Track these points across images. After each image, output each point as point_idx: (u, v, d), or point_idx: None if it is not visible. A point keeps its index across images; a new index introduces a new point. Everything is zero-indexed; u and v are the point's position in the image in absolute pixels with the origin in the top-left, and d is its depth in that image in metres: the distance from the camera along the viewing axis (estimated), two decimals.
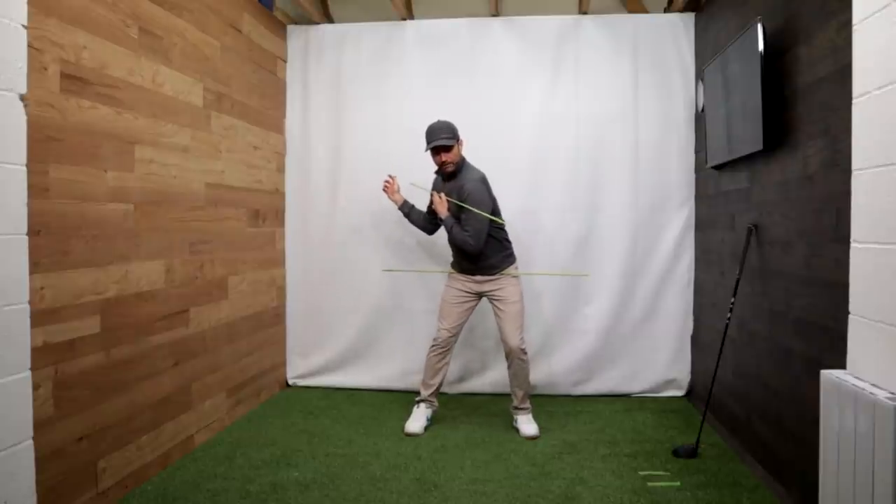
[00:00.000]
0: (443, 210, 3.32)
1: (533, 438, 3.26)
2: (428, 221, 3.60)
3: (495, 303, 3.39)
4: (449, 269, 3.54)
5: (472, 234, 3.22)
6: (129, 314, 2.59)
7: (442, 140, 3.27)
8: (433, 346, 3.48)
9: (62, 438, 2.22)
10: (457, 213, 3.31)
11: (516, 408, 3.41)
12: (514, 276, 3.39)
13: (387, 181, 3.58)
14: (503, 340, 3.35)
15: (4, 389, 1.66)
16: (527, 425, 3.34)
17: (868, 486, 1.52)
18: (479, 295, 3.44)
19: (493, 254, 3.35)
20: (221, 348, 3.37)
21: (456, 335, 3.48)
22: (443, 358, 3.46)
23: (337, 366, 4.24)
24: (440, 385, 3.50)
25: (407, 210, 3.57)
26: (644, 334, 4.00)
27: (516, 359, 3.32)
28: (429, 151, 3.35)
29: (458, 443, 3.22)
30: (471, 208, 3.23)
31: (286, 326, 4.28)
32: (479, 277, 3.39)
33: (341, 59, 4.18)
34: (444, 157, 3.31)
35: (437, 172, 3.48)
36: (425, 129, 3.35)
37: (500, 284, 3.37)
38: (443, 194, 3.34)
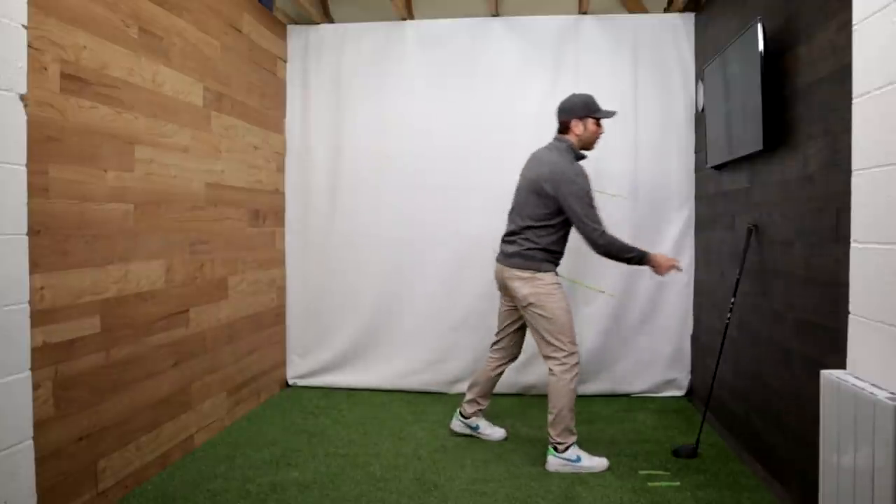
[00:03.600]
0: None
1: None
2: None
3: None
4: (561, 277, 3.06)
5: None
6: (129, 314, 2.59)
7: None
8: (579, 369, 2.93)
9: (62, 438, 2.22)
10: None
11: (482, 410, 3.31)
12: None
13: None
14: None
15: (4, 389, 1.66)
16: (497, 430, 3.30)
17: (868, 486, 1.52)
18: None
19: None
20: (221, 348, 3.37)
21: None
22: None
23: (337, 366, 4.24)
24: None
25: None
26: (644, 334, 4.00)
27: None
28: (596, 121, 2.99)
29: (458, 443, 3.22)
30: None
31: (286, 326, 4.28)
32: None
33: (341, 59, 4.18)
34: None
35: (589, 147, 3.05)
36: (583, 98, 3.00)
37: None
38: None
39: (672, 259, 2.96)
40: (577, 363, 2.91)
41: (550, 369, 2.92)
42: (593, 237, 2.85)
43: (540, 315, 2.91)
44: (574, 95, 3.04)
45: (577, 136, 2.99)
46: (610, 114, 3.01)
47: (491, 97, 4.05)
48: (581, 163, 2.99)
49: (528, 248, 2.96)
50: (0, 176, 1.66)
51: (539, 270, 2.93)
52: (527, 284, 2.93)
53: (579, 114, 2.97)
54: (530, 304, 2.92)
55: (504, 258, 3.04)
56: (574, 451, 2.88)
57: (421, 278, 4.10)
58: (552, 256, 2.99)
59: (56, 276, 2.18)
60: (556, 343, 2.89)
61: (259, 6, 3.79)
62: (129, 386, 2.60)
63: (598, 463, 2.89)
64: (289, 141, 4.24)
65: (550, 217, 2.93)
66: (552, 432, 2.89)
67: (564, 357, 2.89)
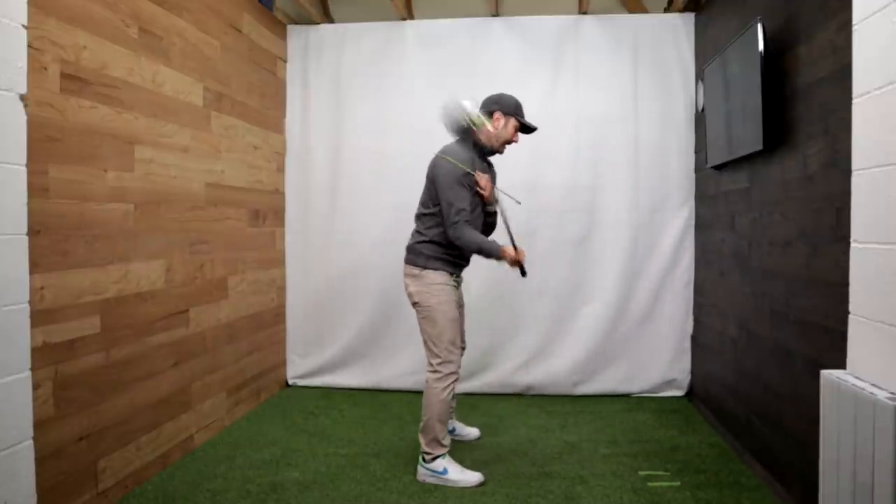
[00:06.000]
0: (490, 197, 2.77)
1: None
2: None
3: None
4: (452, 277, 2.81)
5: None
6: (129, 314, 2.59)
7: None
8: (455, 379, 2.74)
9: (62, 438, 2.22)
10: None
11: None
12: None
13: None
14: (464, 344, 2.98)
15: (4, 389, 1.66)
16: (472, 430, 3.15)
17: (868, 486, 1.52)
18: None
19: None
20: (221, 348, 3.37)
21: None
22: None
23: (337, 366, 4.24)
24: None
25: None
26: (644, 334, 4.00)
27: None
28: (518, 127, 2.83)
29: (458, 443, 3.21)
30: (507, 194, 2.87)
31: (286, 326, 4.28)
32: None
33: (341, 59, 4.18)
34: None
35: (485, 154, 2.85)
36: (515, 99, 2.82)
37: None
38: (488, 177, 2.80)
39: (521, 252, 2.69)
40: (452, 373, 2.70)
41: (426, 377, 2.74)
42: (446, 224, 2.66)
43: (422, 317, 2.74)
44: (505, 94, 2.83)
45: (492, 129, 2.76)
46: (533, 128, 2.83)
47: None
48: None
49: (416, 242, 2.78)
50: (0, 176, 1.66)
51: (426, 268, 2.72)
52: (414, 282, 2.75)
53: (507, 110, 2.77)
54: (416, 302, 2.75)
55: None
56: (441, 463, 2.70)
57: None
58: (442, 252, 2.73)
59: (56, 276, 2.18)
60: (433, 349, 2.71)
61: (259, 6, 3.79)
62: (129, 386, 2.60)
63: (468, 478, 2.68)
64: (289, 141, 4.25)
65: (437, 204, 2.71)
66: (421, 440, 2.74)
67: (438, 364, 2.70)
